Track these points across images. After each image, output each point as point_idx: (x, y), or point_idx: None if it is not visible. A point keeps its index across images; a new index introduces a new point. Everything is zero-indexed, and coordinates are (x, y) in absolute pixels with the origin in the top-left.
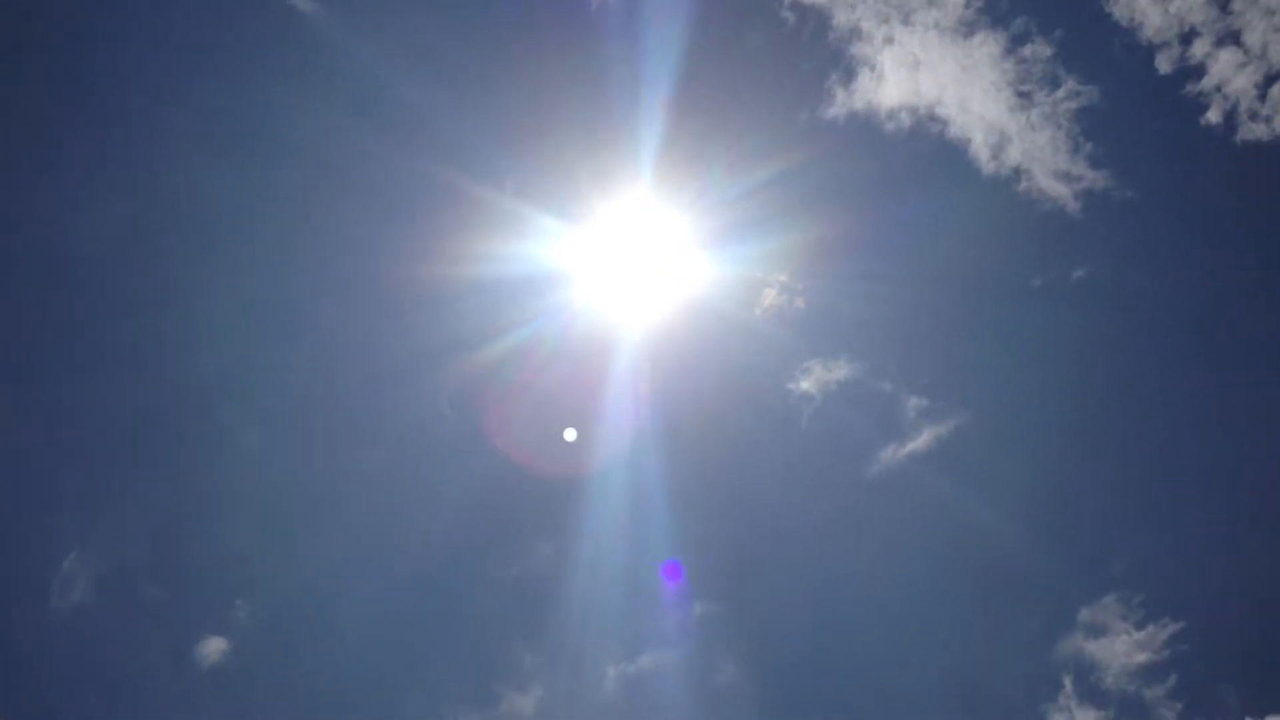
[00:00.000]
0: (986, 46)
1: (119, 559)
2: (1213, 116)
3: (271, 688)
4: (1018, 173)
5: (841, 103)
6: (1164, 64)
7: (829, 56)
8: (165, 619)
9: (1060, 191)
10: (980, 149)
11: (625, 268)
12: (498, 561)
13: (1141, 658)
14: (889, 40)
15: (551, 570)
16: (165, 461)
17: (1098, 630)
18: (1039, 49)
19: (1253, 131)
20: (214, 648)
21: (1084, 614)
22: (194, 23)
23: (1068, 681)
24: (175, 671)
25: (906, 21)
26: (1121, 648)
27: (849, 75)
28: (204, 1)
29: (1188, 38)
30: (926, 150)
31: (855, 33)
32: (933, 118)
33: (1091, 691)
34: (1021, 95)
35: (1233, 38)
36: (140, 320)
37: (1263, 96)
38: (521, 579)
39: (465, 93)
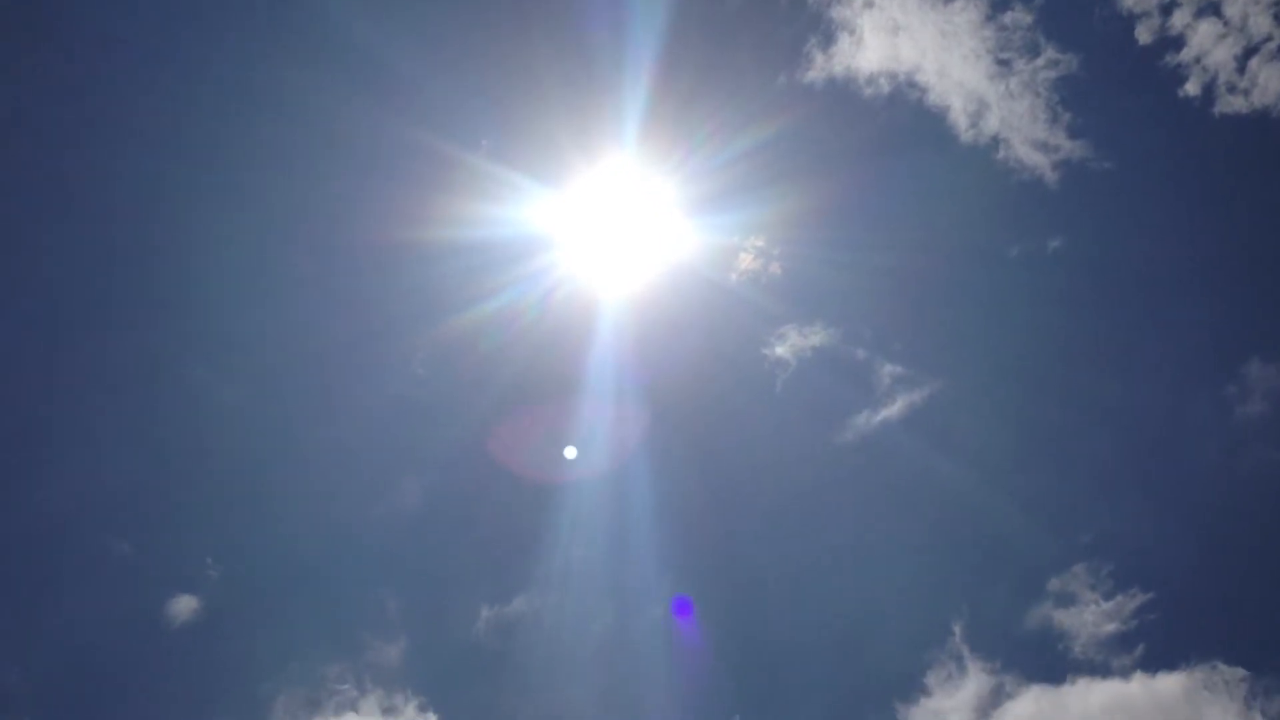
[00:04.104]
0: (967, 13)
1: (90, 515)
2: (1191, 88)
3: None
4: (996, 141)
5: (820, 67)
6: (1144, 34)
7: (808, 20)
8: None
9: (1038, 161)
10: (959, 117)
11: (605, 232)
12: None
13: (1110, 628)
14: (869, 4)
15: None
16: (140, 420)
17: (1067, 599)
18: (1019, 16)
19: (1231, 104)
20: (185, 605)
21: (1054, 583)
22: None
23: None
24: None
25: None
26: (1090, 617)
27: (828, 39)
28: None
29: (1168, 8)
30: (905, 117)
31: None
32: (911, 84)
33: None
34: (1001, 63)
35: (1213, 9)
36: (116, 280)
37: (1242, 69)
38: (510, 537)
39: (449, 57)
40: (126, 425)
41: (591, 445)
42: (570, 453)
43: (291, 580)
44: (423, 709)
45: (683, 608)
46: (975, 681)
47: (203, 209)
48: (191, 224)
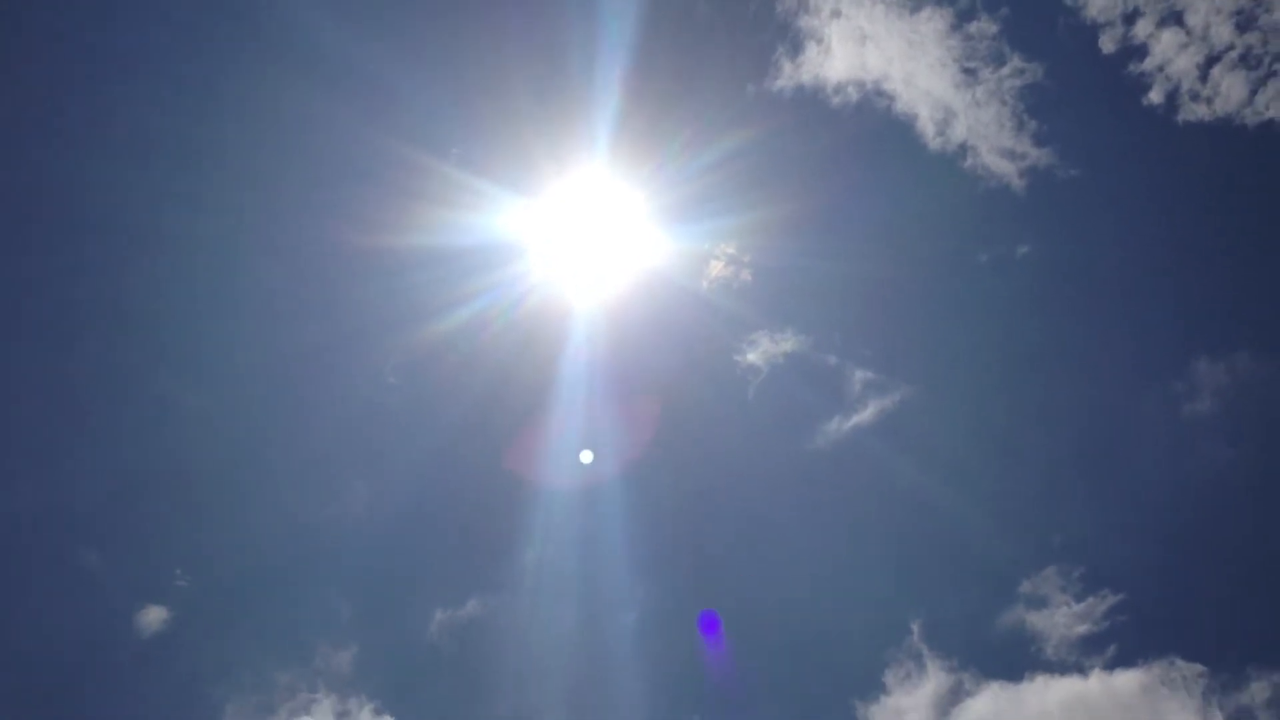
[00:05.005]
0: (933, 22)
1: (58, 525)
2: (1155, 97)
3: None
4: (963, 149)
5: (789, 76)
6: (1108, 44)
7: (776, 29)
8: (105, 586)
9: (1005, 168)
10: (926, 125)
11: (577, 240)
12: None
13: (1081, 629)
14: (836, 14)
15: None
16: (107, 428)
17: (1038, 602)
18: (985, 25)
19: (1194, 112)
20: (154, 616)
21: (1025, 586)
22: None
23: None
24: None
25: None
26: (1061, 619)
27: (796, 48)
28: None
29: (1131, 18)
30: (872, 125)
31: (803, 5)
32: (879, 92)
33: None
34: (967, 72)
35: (1175, 18)
36: (85, 287)
37: (1204, 77)
38: (477, 540)
39: (420, 64)
40: (96, 434)
41: (561, 451)
42: (541, 458)
43: (261, 587)
44: (378, 713)
45: (710, 624)
46: (934, 680)
47: (173, 215)
48: (161, 230)
